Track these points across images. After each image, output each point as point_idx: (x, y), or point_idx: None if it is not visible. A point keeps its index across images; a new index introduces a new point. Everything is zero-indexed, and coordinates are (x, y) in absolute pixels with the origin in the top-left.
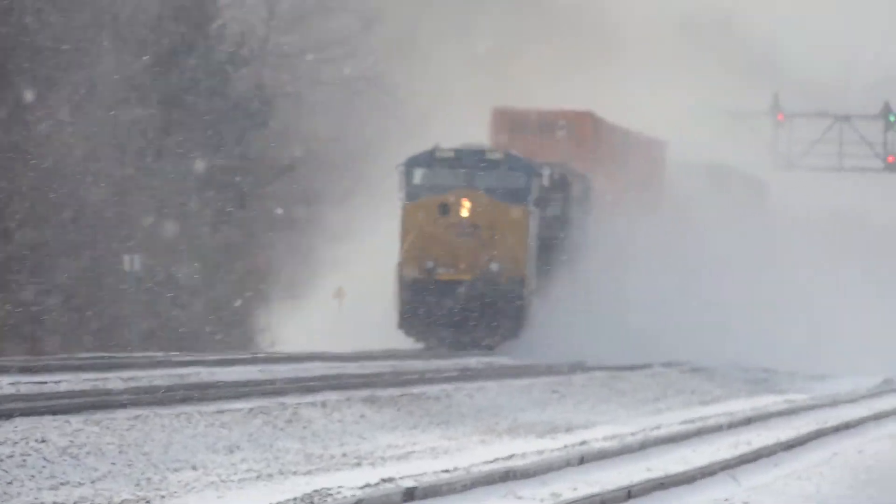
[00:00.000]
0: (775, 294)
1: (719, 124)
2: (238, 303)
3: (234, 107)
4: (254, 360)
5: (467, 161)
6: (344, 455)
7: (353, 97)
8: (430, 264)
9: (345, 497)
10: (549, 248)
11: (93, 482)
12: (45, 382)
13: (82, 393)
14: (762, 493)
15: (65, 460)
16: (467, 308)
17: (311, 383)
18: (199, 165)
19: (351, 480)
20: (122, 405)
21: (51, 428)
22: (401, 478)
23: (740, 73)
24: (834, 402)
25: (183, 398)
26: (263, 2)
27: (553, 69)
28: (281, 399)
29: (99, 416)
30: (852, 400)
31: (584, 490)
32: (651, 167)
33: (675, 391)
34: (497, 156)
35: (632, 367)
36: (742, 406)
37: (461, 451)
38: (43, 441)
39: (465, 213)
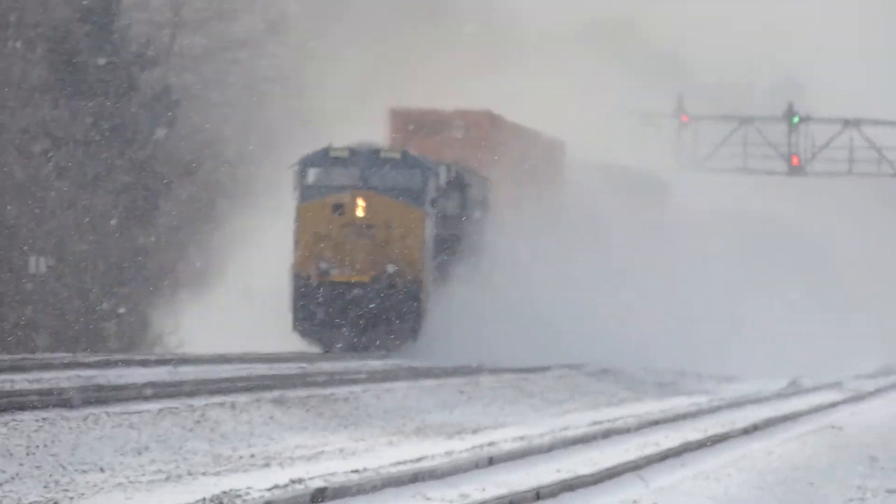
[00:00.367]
0: (679, 295)
1: (623, 125)
2: (146, 304)
3: (141, 108)
4: (162, 362)
5: (362, 160)
6: (253, 456)
7: (260, 99)
8: (324, 265)
9: (254, 498)
10: (447, 248)
11: (0, 484)
12: None
13: None
14: (670, 494)
15: None
16: (363, 310)
17: (220, 384)
18: (106, 166)
19: (260, 481)
20: (30, 407)
21: None
22: (310, 478)
23: (645, 74)
24: (741, 404)
25: (90, 400)
26: (169, 3)
27: (457, 70)
28: (189, 400)
29: (6, 417)
30: (759, 401)
31: (493, 491)
32: (551, 167)
33: (583, 393)
34: (392, 154)
35: (535, 370)
36: (650, 408)
37: (370, 452)
38: None
39: (360, 213)
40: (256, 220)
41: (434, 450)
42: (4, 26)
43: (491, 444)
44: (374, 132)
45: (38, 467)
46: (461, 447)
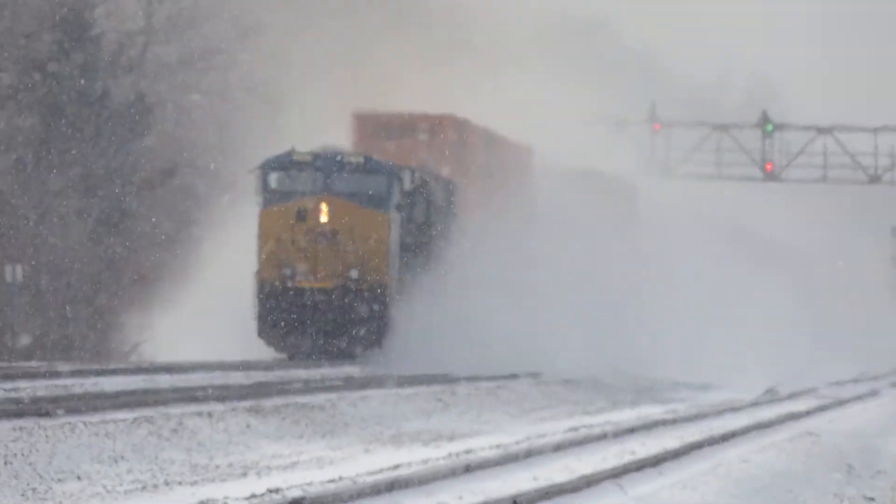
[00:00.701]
0: (650, 301)
1: (594, 130)
2: (120, 312)
3: (114, 116)
4: (137, 370)
5: (325, 164)
6: (230, 465)
7: (233, 106)
8: (288, 271)
9: None
10: (413, 253)
11: None
12: None
13: None
14: (648, 502)
15: None
16: (328, 316)
17: (196, 393)
18: (80, 174)
19: (237, 491)
20: (6, 416)
21: None
22: (287, 488)
23: (618, 78)
24: (718, 412)
25: (66, 408)
26: (141, 11)
27: (423, 74)
28: (165, 409)
29: None
30: (736, 409)
31: (470, 499)
32: (518, 171)
33: (560, 401)
34: (356, 159)
35: (510, 377)
36: (626, 416)
37: (346, 460)
38: None
39: (323, 218)
40: (226, 225)
41: (411, 457)
42: None
43: (468, 451)
44: (339, 137)
45: (15, 476)
46: (438, 455)
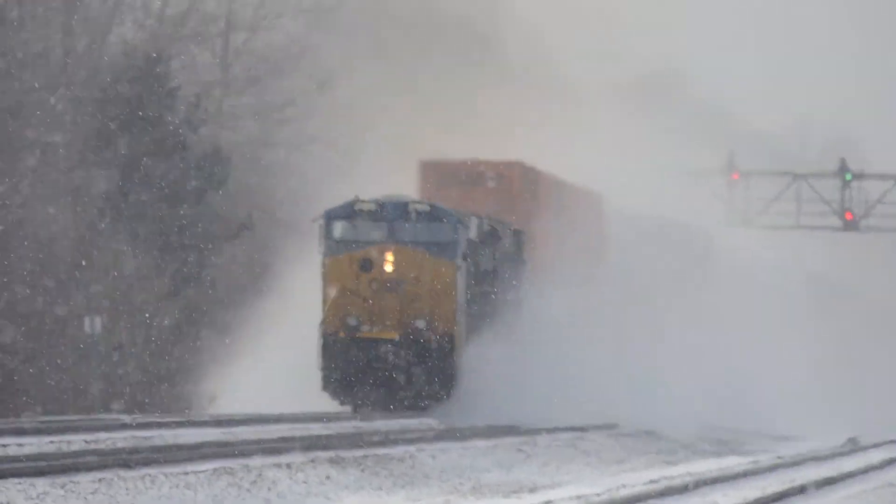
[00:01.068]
0: (726, 351)
1: (670, 179)
2: (197, 364)
3: (191, 168)
4: (216, 422)
5: (390, 213)
6: None
7: (306, 158)
8: (353, 322)
9: None
10: (480, 302)
11: None
12: (8, 445)
13: (46, 456)
14: None
15: None
16: (394, 368)
17: (275, 444)
18: (158, 226)
19: None
20: (87, 468)
21: (16, 491)
22: None
23: (694, 129)
24: (800, 462)
25: (146, 460)
26: (217, 64)
27: (493, 123)
28: (245, 460)
29: (63, 479)
30: (818, 459)
31: None
32: (588, 218)
33: (639, 452)
34: (421, 207)
35: (590, 428)
36: (707, 466)
37: None
38: None
39: (388, 267)
40: (295, 276)
41: None
42: (54, 88)
43: (548, 503)
44: (405, 185)
45: None
46: None
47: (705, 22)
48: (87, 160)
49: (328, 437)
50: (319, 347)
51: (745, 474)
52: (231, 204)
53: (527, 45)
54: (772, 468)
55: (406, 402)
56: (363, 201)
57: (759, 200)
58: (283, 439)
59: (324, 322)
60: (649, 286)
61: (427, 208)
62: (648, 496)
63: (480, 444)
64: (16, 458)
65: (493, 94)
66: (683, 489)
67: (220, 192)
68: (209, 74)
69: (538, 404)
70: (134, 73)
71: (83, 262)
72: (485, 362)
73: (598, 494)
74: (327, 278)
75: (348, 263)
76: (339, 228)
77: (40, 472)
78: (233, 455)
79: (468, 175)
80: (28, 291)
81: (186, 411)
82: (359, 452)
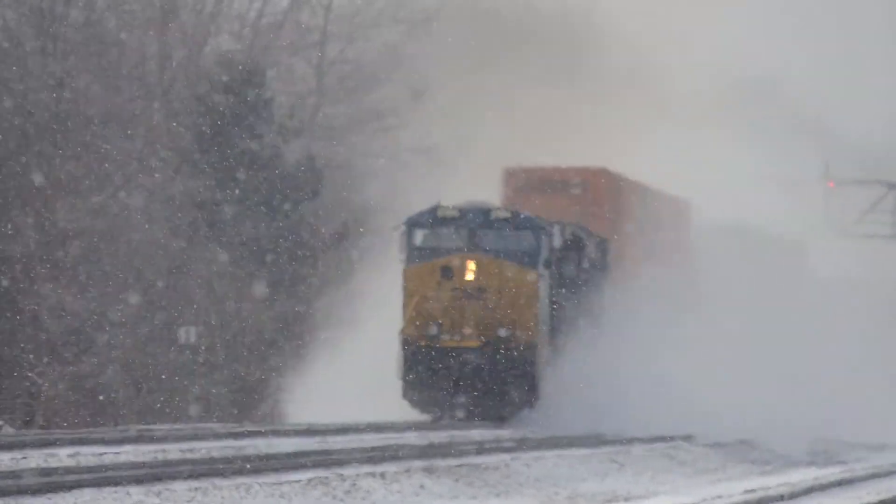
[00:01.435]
0: (818, 361)
1: (762, 188)
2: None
3: (285, 178)
4: (310, 432)
5: (472, 220)
6: None
7: (403, 168)
8: (434, 331)
9: None
10: (563, 310)
11: None
12: (105, 454)
13: (141, 464)
14: None
15: None
16: (475, 377)
17: (370, 453)
18: (252, 236)
19: None
20: (181, 476)
21: (111, 499)
22: None
23: (788, 137)
24: (895, 473)
25: (241, 469)
26: (312, 73)
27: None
28: (339, 470)
29: (158, 487)
30: None
31: None
32: (675, 226)
33: (735, 461)
34: (503, 214)
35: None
36: (802, 476)
37: None
38: None
39: (470, 275)
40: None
41: None
42: (151, 99)
43: None
44: (488, 192)
45: None
46: None
47: (799, 28)
48: (183, 170)
49: (422, 446)
50: (400, 356)
51: (841, 483)
52: (327, 213)
53: (621, 51)
54: (867, 477)
55: (487, 412)
56: (444, 208)
57: (855, 211)
58: (377, 448)
59: (404, 330)
60: (737, 293)
61: (509, 215)
62: None
63: (576, 452)
64: (111, 467)
65: (582, 100)
66: (779, 499)
67: (314, 201)
68: (304, 84)
69: (623, 414)
70: (230, 84)
71: (178, 272)
72: (567, 371)
73: None
74: (408, 286)
75: (429, 271)
76: (420, 236)
77: (137, 481)
78: (327, 464)
79: (552, 182)
80: (123, 301)
81: (280, 420)
82: (453, 461)
